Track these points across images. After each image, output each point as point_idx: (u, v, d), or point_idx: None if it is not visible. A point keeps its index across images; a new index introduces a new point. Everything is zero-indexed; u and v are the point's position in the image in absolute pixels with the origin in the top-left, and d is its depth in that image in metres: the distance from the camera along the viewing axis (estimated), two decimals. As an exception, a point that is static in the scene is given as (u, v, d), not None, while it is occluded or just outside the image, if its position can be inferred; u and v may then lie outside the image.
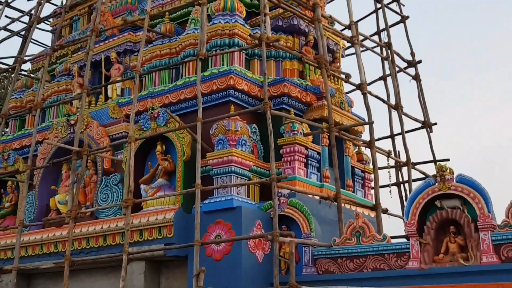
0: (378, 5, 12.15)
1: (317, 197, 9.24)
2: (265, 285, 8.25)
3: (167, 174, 9.85)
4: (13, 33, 14.18)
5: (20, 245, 10.21)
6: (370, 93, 9.91)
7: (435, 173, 7.58)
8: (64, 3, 14.18)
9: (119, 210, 9.90)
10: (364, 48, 11.05)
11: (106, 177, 10.42)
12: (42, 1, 13.15)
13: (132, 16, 12.28)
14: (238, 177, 9.08)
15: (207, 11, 10.44)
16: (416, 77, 12.01)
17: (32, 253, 10.64)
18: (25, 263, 10.38)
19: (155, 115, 10.05)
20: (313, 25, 10.64)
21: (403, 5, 12.71)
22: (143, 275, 9.21)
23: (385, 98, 10.94)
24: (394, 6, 12.60)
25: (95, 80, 12.21)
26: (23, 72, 13.53)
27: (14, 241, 10.54)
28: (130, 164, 9.35)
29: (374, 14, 12.33)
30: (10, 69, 14.28)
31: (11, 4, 14.82)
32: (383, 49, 11.77)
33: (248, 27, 11.00)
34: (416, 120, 11.70)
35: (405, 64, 12.14)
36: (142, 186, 9.92)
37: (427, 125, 11.74)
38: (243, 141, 9.35)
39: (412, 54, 12.20)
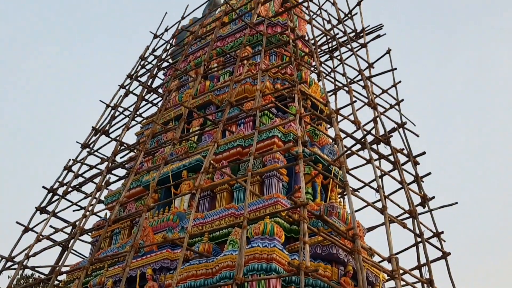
0: (419, 239, 12.07)
1: None
2: None
3: None
4: (55, 243, 14.40)
5: None
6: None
7: None
8: (108, 216, 14.61)
9: None
10: (404, 283, 10.72)
11: None
12: (87, 214, 13.58)
13: (172, 233, 12.44)
14: None
15: (247, 234, 10.52)
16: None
17: None
18: None
19: None
20: (352, 256, 10.51)
21: (444, 241, 12.61)
22: None
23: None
24: (434, 241, 12.50)
25: (126, 298, 11.98)
26: (57, 283, 13.43)
27: None
28: None
29: (415, 248, 12.19)
30: (45, 280, 14.23)
31: (57, 214, 15.34)
32: (425, 285, 11.42)
33: (287, 253, 10.94)
34: None
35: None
36: None
37: None
38: None
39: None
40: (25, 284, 16.85)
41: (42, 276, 14.66)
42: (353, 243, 10.22)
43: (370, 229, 13.60)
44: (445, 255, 12.28)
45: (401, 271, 10.57)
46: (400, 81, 15.97)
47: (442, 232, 12.66)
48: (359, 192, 14.25)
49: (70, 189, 15.61)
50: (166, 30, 19.88)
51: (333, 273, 10.96)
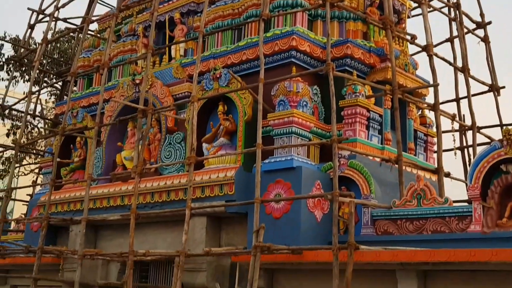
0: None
1: (377, 160, 9.20)
2: (323, 244, 8.35)
3: (229, 134, 10.02)
4: (81, -6, 14.54)
5: (89, 198, 10.66)
6: (436, 55, 9.65)
7: (501, 137, 7.38)
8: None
9: (182, 167, 10.19)
10: (431, 9, 10.72)
11: (169, 135, 10.70)
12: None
13: (196, -23, 12.31)
14: (298, 138, 9.14)
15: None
16: (485, 39, 11.58)
17: (100, 206, 11.11)
18: (93, 215, 10.84)
19: (217, 76, 10.18)
20: (378, -15, 10.40)
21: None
22: (205, 229, 9.49)
23: (452, 61, 10.63)
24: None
25: (159, 40, 12.43)
26: (90, 32, 13.88)
27: (83, 194, 11.04)
28: (193, 123, 9.55)
29: (442, -26, 11.88)
30: (78, 29, 14.66)
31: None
32: (451, 9, 11.39)
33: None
34: (483, 83, 11.34)
35: (474, 26, 11.72)
36: (204, 145, 10.14)
37: (494, 88, 11.37)
38: (304, 103, 9.36)
39: (482, 15, 11.75)
40: (59, 35, 17.45)
41: (75, 27, 15.11)
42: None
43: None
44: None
45: (427, -4, 10.48)
46: None
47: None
48: None
49: None
50: None
51: (359, 4, 10.90)
